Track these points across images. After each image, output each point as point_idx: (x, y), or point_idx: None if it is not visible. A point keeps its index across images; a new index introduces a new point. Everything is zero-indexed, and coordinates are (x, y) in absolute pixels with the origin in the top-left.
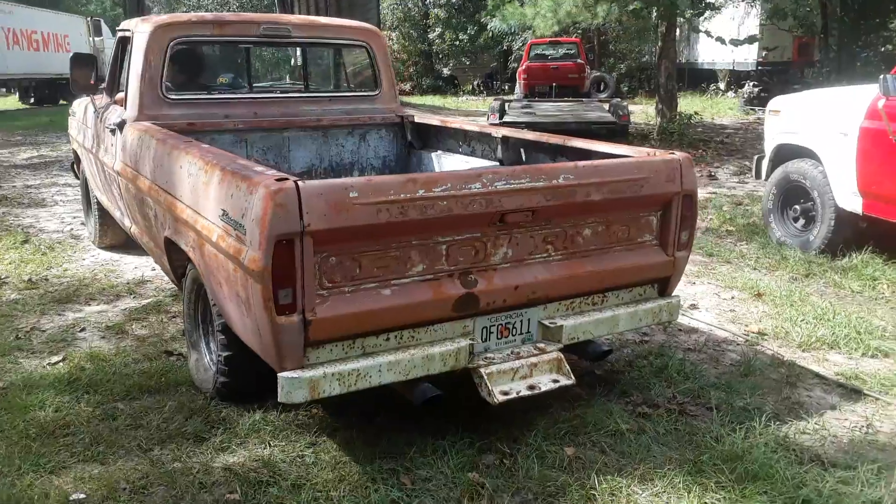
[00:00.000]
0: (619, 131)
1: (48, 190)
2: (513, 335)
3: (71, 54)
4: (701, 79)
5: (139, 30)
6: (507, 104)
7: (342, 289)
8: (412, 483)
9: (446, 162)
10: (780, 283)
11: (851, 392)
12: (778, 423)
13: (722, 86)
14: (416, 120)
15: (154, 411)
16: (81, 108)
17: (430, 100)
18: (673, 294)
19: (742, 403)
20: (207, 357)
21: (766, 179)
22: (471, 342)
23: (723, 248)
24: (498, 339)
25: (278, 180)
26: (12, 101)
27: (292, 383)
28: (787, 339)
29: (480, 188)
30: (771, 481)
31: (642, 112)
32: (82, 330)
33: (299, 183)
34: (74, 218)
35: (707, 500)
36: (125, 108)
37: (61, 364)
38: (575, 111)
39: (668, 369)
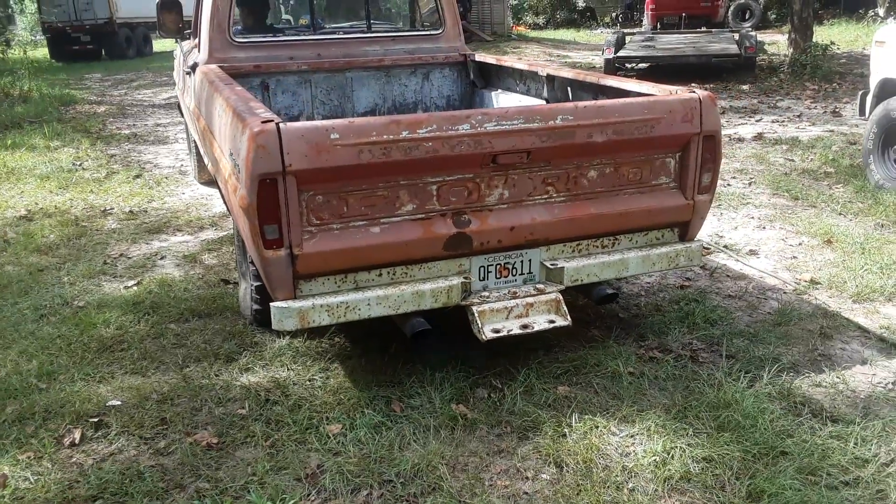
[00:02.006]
0: (744, 64)
1: (175, 128)
2: (513, 275)
3: (157, 0)
4: (858, 4)
5: None
6: (627, 37)
7: (330, 226)
8: (401, 410)
9: (504, 100)
10: (861, 230)
11: (892, 347)
12: (793, 374)
13: (881, 11)
14: (478, 59)
15: (198, 333)
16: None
17: (562, 34)
18: (695, 239)
19: (762, 353)
20: (248, 286)
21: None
22: (464, 280)
23: (813, 191)
24: (497, 278)
25: (263, 122)
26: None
27: (283, 312)
28: (841, 288)
29: (469, 129)
30: (751, 430)
31: (785, 42)
32: (162, 258)
33: (280, 125)
34: (189, 155)
35: (677, 445)
36: (198, 52)
37: (135, 288)
38: (697, 44)
39: (695, 315)
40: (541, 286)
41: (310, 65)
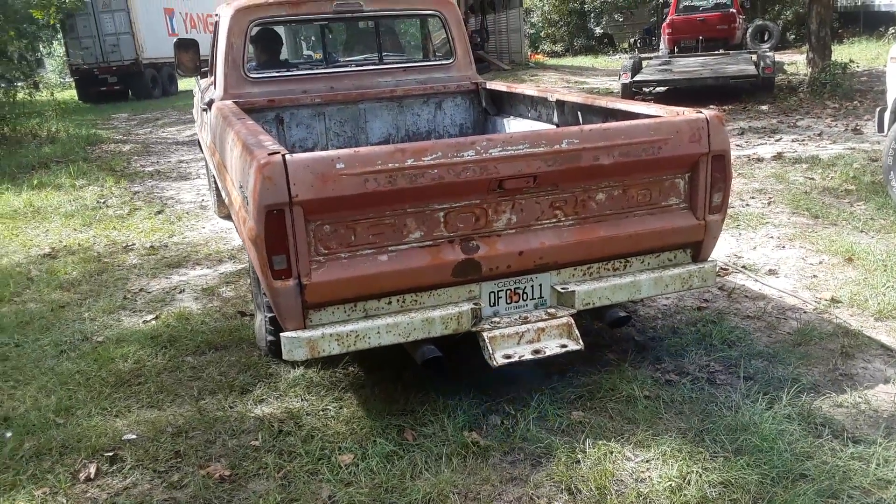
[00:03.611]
0: (762, 85)
1: (196, 164)
2: (524, 300)
3: (174, 40)
4: (878, 22)
5: (223, 13)
6: (644, 61)
7: (338, 255)
8: (414, 439)
9: (515, 126)
10: (882, 247)
11: None
12: (813, 394)
13: None
14: (489, 87)
15: (214, 365)
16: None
17: (580, 60)
18: (708, 259)
19: (781, 374)
20: (262, 317)
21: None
22: (474, 306)
23: (833, 209)
24: (507, 303)
25: (270, 154)
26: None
27: (292, 342)
28: (862, 306)
29: (474, 156)
30: (770, 453)
31: (804, 62)
32: (181, 292)
33: (286, 156)
34: (209, 189)
35: (693, 470)
36: (214, 88)
37: (154, 322)
38: (714, 66)
39: (712, 337)
40: (552, 310)
41: (323, 97)
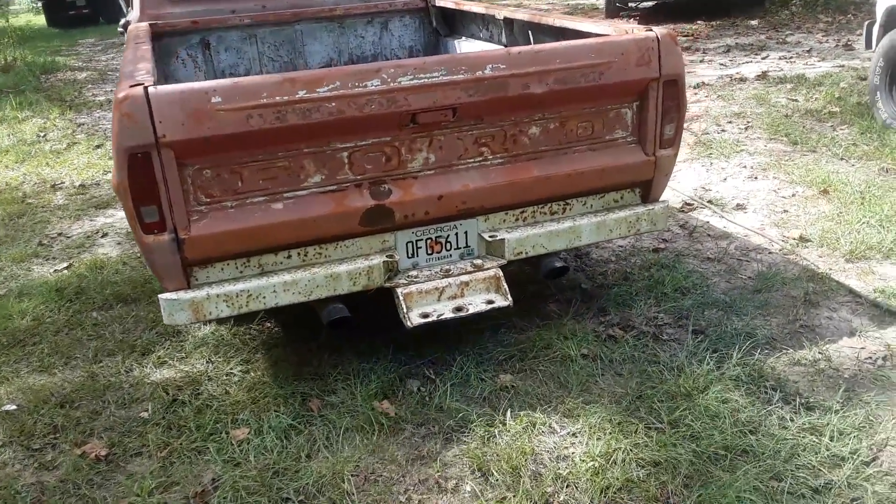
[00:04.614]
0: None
1: None
2: (447, 250)
3: None
4: None
5: None
6: None
7: (222, 204)
8: (318, 409)
9: (467, 49)
10: (862, 176)
11: (886, 314)
12: (767, 351)
13: None
14: (438, 4)
15: (119, 321)
16: None
17: None
18: (659, 200)
19: (735, 326)
20: None
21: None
22: (388, 259)
23: (814, 134)
24: (429, 254)
25: (131, 87)
26: None
27: (172, 305)
28: (833, 246)
29: (380, 85)
30: (710, 426)
31: None
32: (104, 236)
33: (150, 89)
34: None
35: (622, 446)
36: (132, 9)
37: (66, 271)
38: None
39: (665, 284)
40: (479, 262)
41: (254, 18)
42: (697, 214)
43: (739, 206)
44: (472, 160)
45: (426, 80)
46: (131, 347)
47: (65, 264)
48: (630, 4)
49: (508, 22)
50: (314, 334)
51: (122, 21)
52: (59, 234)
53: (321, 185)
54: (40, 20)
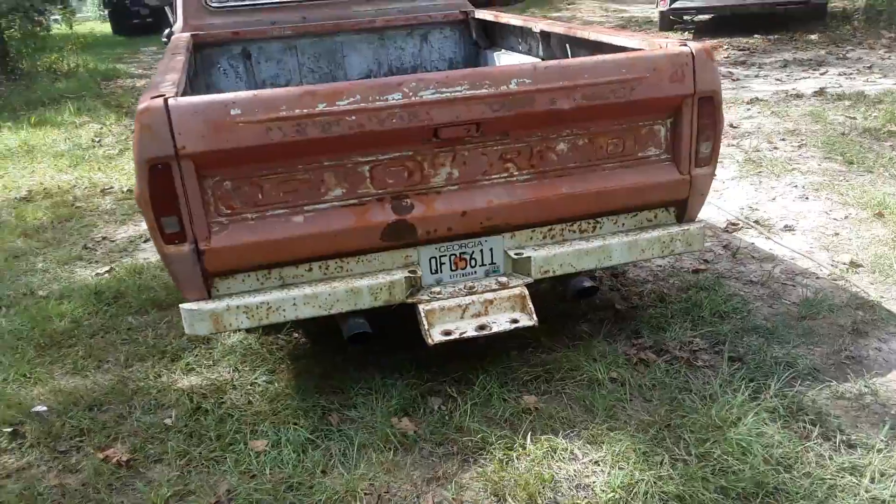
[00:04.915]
0: (813, 13)
1: None
2: (471, 267)
3: None
4: None
5: None
6: None
7: (243, 216)
8: (337, 423)
9: (506, 61)
10: None
11: None
12: (809, 382)
13: None
14: (478, 16)
15: (153, 327)
16: None
17: None
18: (696, 219)
19: (775, 355)
20: None
21: None
22: (410, 274)
23: (871, 154)
24: (453, 270)
25: (152, 98)
26: None
27: (193, 315)
28: (886, 273)
29: (401, 99)
30: (741, 461)
31: None
32: (147, 241)
33: (170, 101)
34: None
35: (644, 478)
36: (175, 20)
37: (106, 275)
38: None
39: (703, 307)
40: (503, 279)
41: (294, 29)
42: (742, 235)
43: (787, 228)
44: (497, 176)
45: (448, 94)
46: (162, 353)
47: (106, 268)
48: (685, 18)
49: (545, 35)
50: (341, 347)
51: (167, 31)
52: (104, 238)
53: (342, 199)
54: (106, 28)
